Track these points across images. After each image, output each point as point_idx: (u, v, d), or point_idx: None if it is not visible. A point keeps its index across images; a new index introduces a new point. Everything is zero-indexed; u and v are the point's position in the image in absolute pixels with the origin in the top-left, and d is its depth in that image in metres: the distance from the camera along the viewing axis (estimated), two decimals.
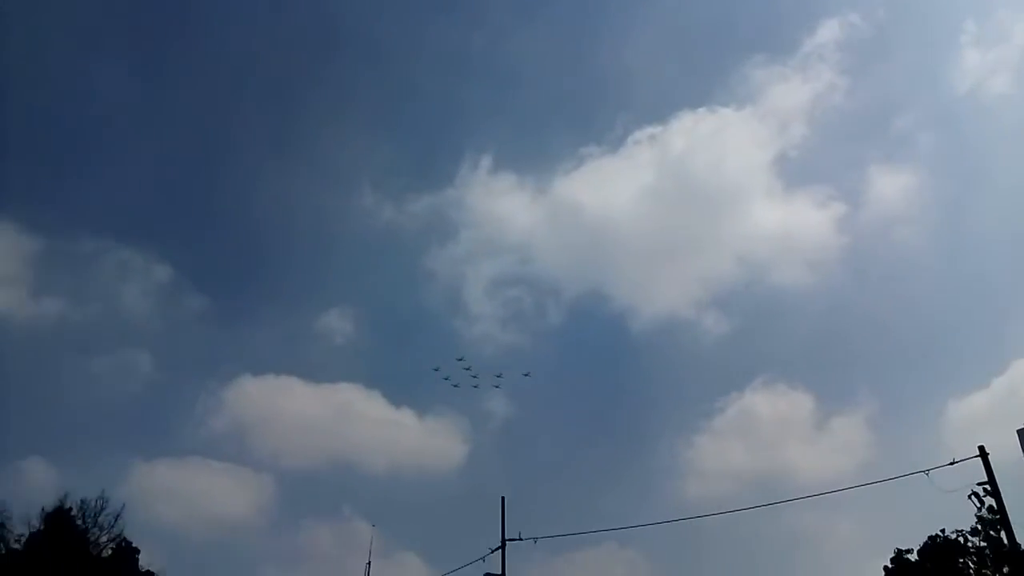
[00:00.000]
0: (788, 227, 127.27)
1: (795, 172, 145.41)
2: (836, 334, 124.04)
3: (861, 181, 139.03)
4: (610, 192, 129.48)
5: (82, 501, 46.26)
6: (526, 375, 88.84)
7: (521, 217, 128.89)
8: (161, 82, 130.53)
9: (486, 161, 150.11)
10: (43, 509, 45.07)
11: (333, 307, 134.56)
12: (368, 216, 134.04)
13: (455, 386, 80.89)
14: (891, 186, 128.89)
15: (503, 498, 31.52)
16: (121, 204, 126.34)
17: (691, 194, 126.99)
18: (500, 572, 30.07)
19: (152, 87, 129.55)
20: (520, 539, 30.49)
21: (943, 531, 42.70)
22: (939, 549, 42.35)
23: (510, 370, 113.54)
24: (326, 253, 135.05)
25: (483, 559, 30.56)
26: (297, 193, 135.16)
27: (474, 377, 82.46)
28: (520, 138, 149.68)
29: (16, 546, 42.90)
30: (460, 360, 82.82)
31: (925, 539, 43.18)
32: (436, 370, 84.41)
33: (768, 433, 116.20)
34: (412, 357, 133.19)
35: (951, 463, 26.43)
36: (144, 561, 52.76)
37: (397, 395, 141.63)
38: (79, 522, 45.78)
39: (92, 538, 46.29)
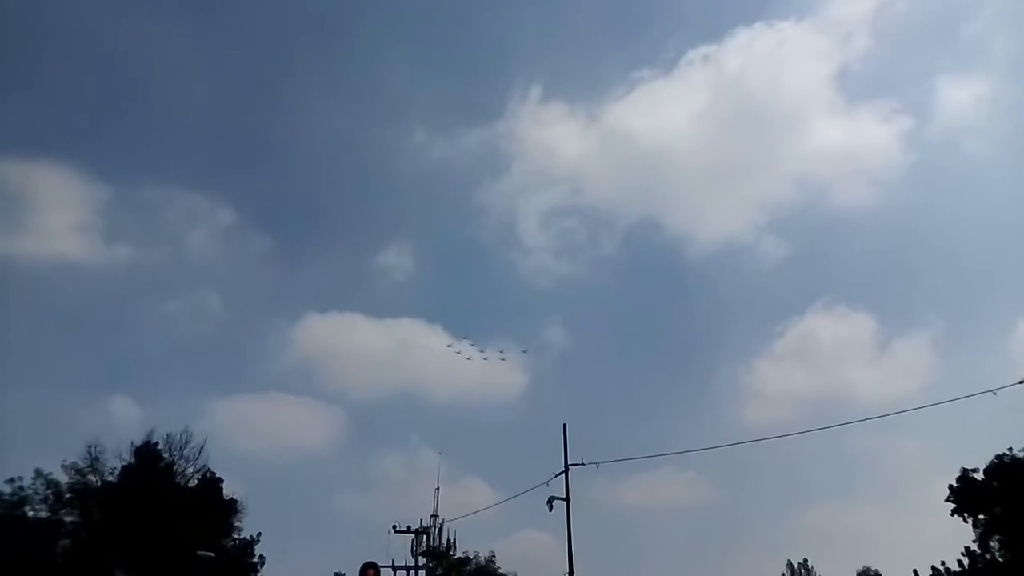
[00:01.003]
0: (850, 145, 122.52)
1: (858, 86, 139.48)
2: (900, 255, 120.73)
3: (928, 93, 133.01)
4: (663, 117, 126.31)
5: (167, 435, 48.67)
6: (524, 351, 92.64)
7: (572, 146, 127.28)
8: (214, 28, 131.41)
9: (536, 91, 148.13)
10: (132, 444, 47.55)
11: (391, 244, 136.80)
12: (420, 152, 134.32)
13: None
14: (961, 96, 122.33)
15: (564, 425, 32.21)
16: (183, 150, 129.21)
17: (748, 115, 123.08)
18: (564, 495, 30.91)
19: (206, 33, 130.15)
20: (582, 464, 31.19)
21: (1010, 450, 42.20)
22: (1006, 468, 41.94)
23: (564, 304, 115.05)
24: (381, 190, 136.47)
25: (547, 483, 31.30)
26: (350, 131, 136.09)
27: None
28: (570, 65, 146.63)
29: (110, 479, 45.67)
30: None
31: (991, 458, 42.76)
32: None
33: (829, 356, 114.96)
34: (469, 290, 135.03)
35: (1020, 382, 26.00)
36: (227, 490, 55.84)
37: (457, 328, 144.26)
38: (166, 455, 48.29)
39: (179, 470, 48.84)
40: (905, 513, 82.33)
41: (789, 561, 65.97)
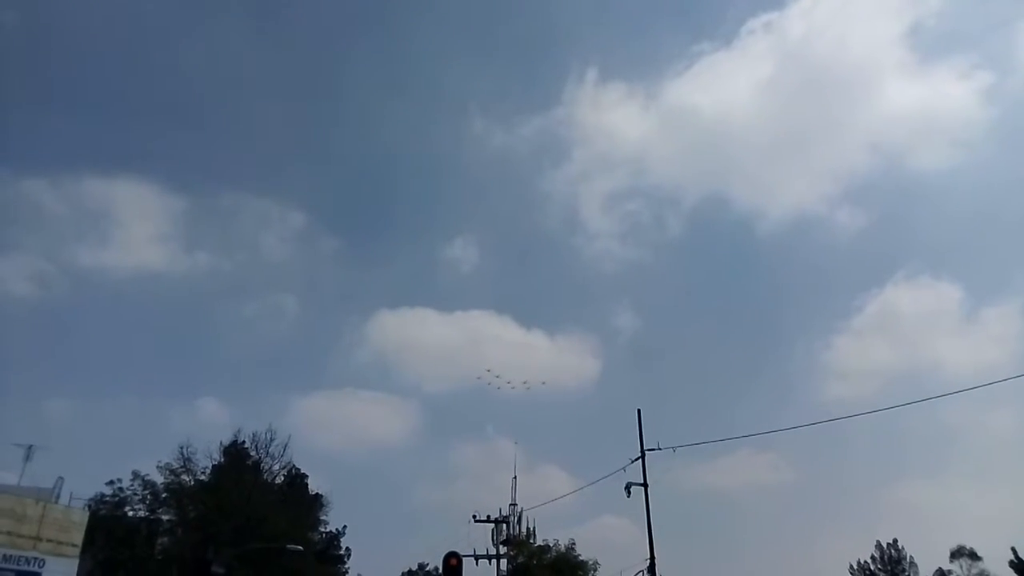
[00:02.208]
0: (927, 105, 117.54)
1: (932, 42, 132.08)
2: (986, 218, 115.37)
3: (1009, 44, 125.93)
4: (726, 90, 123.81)
5: (254, 434, 50.24)
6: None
7: (633, 128, 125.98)
8: (272, 32, 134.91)
9: (592, 73, 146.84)
10: (221, 443, 49.32)
11: (456, 237, 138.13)
12: (479, 143, 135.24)
13: None
14: None
15: (639, 410, 32.05)
16: (252, 157, 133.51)
17: (815, 81, 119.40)
18: (642, 481, 30.81)
19: (264, 38, 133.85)
20: (659, 448, 30.95)
21: None
22: None
23: (633, 288, 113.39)
24: (444, 184, 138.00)
25: (624, 469, 31.19)
26: (410, 127, 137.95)
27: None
28: (625, 44, 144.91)
29: (203, 478, 47.45)
30: None
31: None
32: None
33: (912, 329, 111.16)
34: (537, 279, 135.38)
35: None
36: (312, 485, 57.66)
37: (527, 318, 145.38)
38: (253, 453, 49.94)
39: (266, 467, 50.38)
40: (1000, 488, 79.23)
41: (878, 541, 64.04)
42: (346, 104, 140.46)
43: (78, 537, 26.76)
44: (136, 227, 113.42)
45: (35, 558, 24.36)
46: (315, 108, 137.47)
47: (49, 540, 25.09)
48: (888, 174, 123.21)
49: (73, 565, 26.27)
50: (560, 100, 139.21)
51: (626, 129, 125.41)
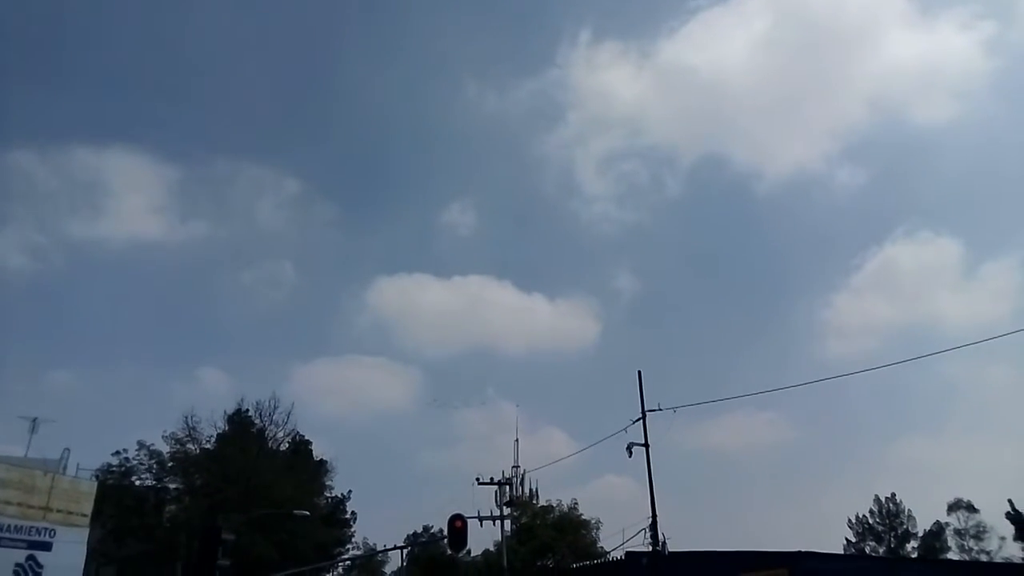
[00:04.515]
0: (927, 58, 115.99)
1: None
2: (987, 173, 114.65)
3: None
4: (721, 47, 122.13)
5: (257, 403, 50.71)
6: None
7: (628, 88, 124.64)
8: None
9: (585, 34, 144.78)
10: (225, 412, 49.81)
11: (453, 202, 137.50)
12: (473, 107, 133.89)
13: None
14: None
15: (639, 371, 32.21)
16: (244, 124, 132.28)
17: (812, 37, 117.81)
18: (643, 442, 31.08)
19: (258, 3, 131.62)
20: (659, 409, 31.16)
21: None
22: None
23: (631, 250, 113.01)
24: (438, 148, 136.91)
25: (625, 430, 31.38)
26: (403, 92, 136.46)
27: None
28: (618, 2, 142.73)
29: (207, 446, 47.92)
30: None
31: None
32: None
33: (912, 285, 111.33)
34: (535, 243, 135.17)
35: None
36: (317, 451, 58.23)
37: (526, 282, 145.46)
38: (257, 421, 50.40)
39: (270, 435, 50.92)
40: (997, 442, 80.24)
41: (876, 496, 64.94)
42: (339, 69, 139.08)
43: (87, 507, 27.05)
44: (130, 198, 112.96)
45: (46, 528, 24.66)
46: (307, 74, 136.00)
47: (59, 510, 25.37)
48: (888, 129, 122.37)
49: (84, 534, 26.60)
50: (554, 61, 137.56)
51: (621, 90, 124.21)
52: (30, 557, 23.86)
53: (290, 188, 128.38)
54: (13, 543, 23.45)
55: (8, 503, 23.52)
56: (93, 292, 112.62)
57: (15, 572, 23.34)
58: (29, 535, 23.99)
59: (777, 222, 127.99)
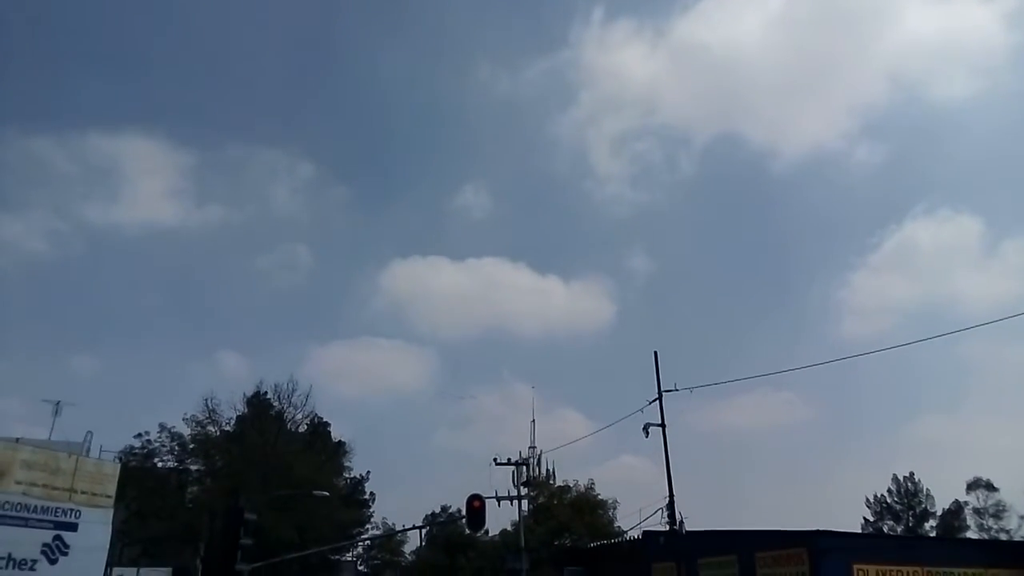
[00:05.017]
0: (947, 32, 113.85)
1: None
2: (1008, 149, 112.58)
3: None
4: (736, 24, 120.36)
5: (275, 385, 51.13)
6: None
7: (641, 67, 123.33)
8: None
9: (598, 12, 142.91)
10: (244, 395, 50.35)
11: (466, 183, 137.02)
12: (486, 88, 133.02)
13: None
14: None
15: (655, 352, 32.08)
16: (258, 108, 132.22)
17: (829, 12, 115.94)
18: (660, 422, 31.02)
19: None
20: (675, 390, 30.97)
21: None
22: None
23: (646, 230, 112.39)
24: (452, 130, 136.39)
25: (641, 411, 31.21)
26: (416, 74, 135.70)
27: None
28: None
29: (227, 428, 48.48)
30: None
31: None
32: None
33: (931, 263, 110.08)
34: (550, 225, 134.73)
35: None
36: (335, 432, 58.82)
37: (541, 263, 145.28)
38: (276, 404, 50.86)
39: (289, 416, 51.38)
40: (1017, 421, 79.50)
41: (895, 475, 64.74)
42: (351, 52, 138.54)
43: (111, 488, 27.43)
44: (146, 183, 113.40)
45: (71, 509, 25.06)
46: (320, 57, 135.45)
47: (83, 492, 25.74)
48: (907, 106, 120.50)
49: (108, 515, 26.99)
50: (566, 41, 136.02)
51: (635, 68, 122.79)
52: (57, 537, 24.27)
53: (304, 172, 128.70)
54: (40, 523, 23.84)
55: (34, 484, 23.88)
56: (112, 277, 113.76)
57: (43, 551, 23.75)
58: (55, 516, 24.38)
59: (793, 201, 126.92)
